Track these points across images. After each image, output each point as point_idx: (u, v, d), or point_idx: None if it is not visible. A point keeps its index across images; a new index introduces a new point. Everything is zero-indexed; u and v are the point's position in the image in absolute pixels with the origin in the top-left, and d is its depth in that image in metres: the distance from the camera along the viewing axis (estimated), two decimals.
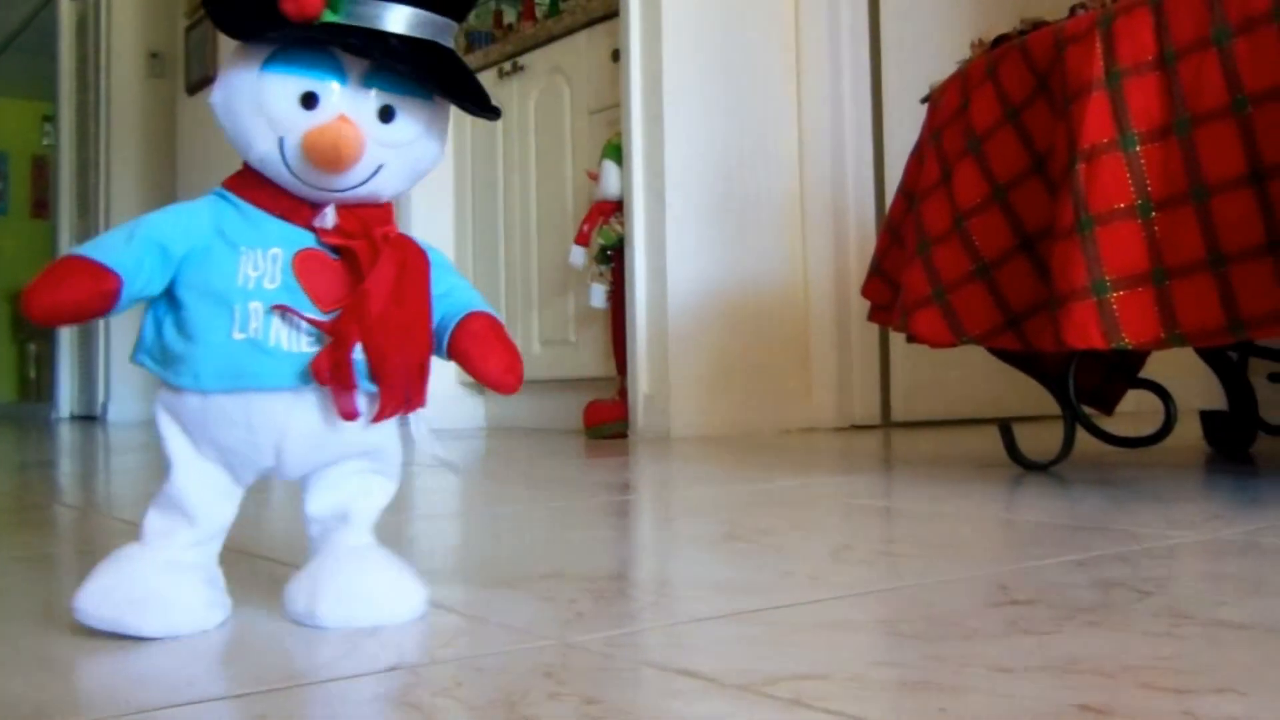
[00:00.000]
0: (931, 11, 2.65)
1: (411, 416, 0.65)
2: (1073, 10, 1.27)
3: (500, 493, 1.39)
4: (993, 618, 0.61)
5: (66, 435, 3.28)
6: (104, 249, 0.60)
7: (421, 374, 0.64)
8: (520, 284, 2.88)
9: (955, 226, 1.33)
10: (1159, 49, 1.12)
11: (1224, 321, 1.07)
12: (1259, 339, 1.16)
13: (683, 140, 2.40)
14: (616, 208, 2.48)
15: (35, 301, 0.58)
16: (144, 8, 4.45)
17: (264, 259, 0.61)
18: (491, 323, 0.67)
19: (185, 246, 0.61)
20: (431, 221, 3.08)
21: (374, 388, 0.61)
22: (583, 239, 2.50)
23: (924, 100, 1.50)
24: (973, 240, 1.31)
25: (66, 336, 4.74)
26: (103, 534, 1.11)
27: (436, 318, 0.66)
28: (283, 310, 0.60)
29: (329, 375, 0.60)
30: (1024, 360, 1.47)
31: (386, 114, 0.62)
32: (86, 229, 4.55)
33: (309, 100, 0.60)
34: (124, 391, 4.27)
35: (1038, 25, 1.32)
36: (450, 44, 0.64)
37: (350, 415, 0.61)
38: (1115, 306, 1.10)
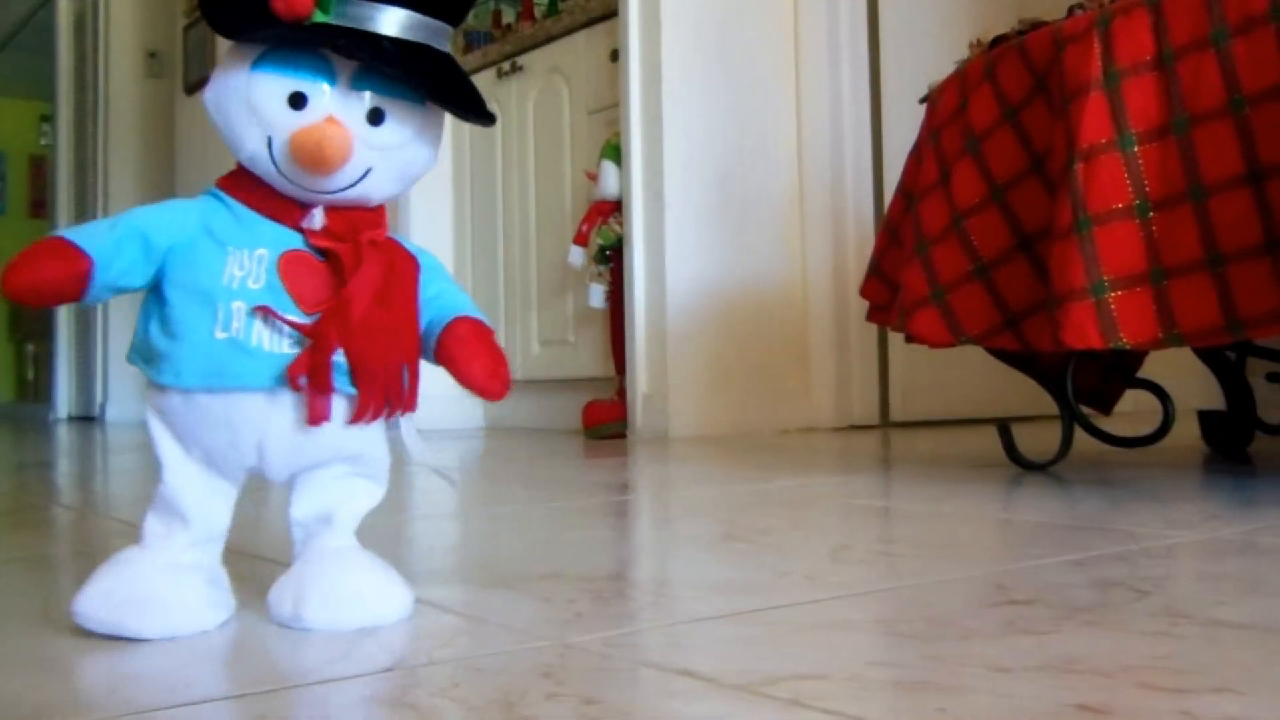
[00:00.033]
0: (930, 12, 2.65)
1: (402, 421, 0.65)
2: (1071, 10, 1.27)
3: (499, 493, 1.39)
4: (991, 617, 0.61)
5: (64, 436, 3.28)
6: (85, 234, 0.61)
7: (408, 378, 0.63)
8: (519, 284, 2.88)
9: (954, 226, 1.33)
10: (1157, 49, 1.12)
11: (1222, 321, 1.07)
12: (1257, 339, 1.16)
13: (681, 140, 2.40)
14: (615, 208, 2.48)
15: (10, 279, 0.58)
16: (142, 7, 4.45)
17: (250, 259, 0.61)
18: (477, 327, 0.66)
19: (169, 239, 0.61)
20: (430, 222, 3.08)
21: (354, 391, 0.61)
22: (581, 239, 2.50)
23: (922, 100, 1.50)
24: (971, 240, 1.31)
25: (65, 337, 4.73)
26: (100, 535, 1.11)
27: (424, 322, 0.66)
28: (264, 312, 0.60)
29: (301, 380, 0.59)
30: (1022, 360, 1.47)
31: (376, 117, 0.62)
32: None
33: (298, 100, 0.60)
34: (122, 392, 4.27)
35: (1036, 25, 1.32)
36: (445, 48, 0.64)
37: (318, 419, 0.61)
38: (1113, 306, 1.10)
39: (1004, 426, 1.45)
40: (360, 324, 0.60)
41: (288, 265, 0.61)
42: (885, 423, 2.60)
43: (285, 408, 0.61)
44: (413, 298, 0.64)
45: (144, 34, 4.45)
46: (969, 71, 1.36)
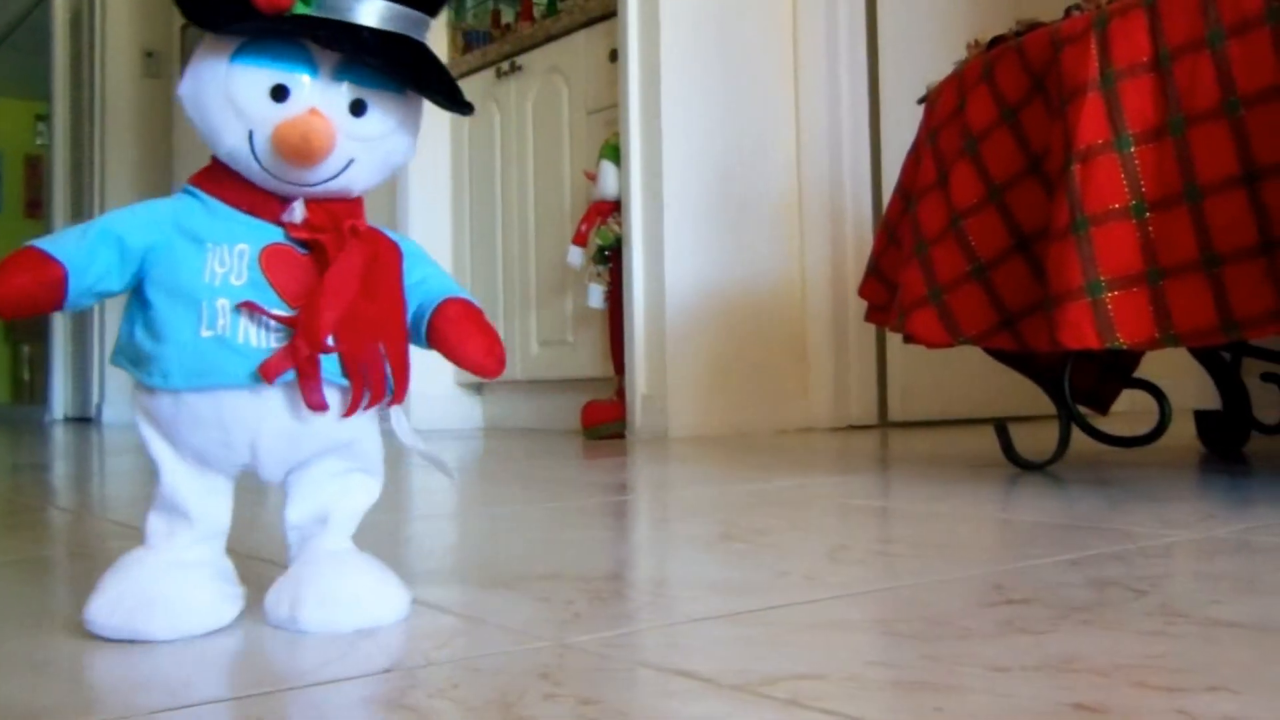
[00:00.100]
0: (928, 13, 2.66)
1: (393, 412, 0.65)
2: (1068, 11, 1.28)
3: (497, 493, 1.39)
4: (988, 617, 0.61)
5: (60, 437, 3.27)
6: (58, 242, 0.60)
7: (398, 366, 0.63)
8: (518, 284, 2.87)
9: (952, 227, 1.33)
10: (1154, 50, 1.12)
11: (1217, 322, 1.07)
12: (1252, 339, 1.16)
13: (680, 140, 2.41)
14: (614, 208, 2.48)
15: None
16: (139, 6, 4.44)
17: (231, 255, 0.60)
18: (468, 307, 0.66)
19: (145, 241, 0.60)
20: (429, 221, 3.07)
21: (345, 381, 0.61)
22: (580, 239, 2.50)
23: (921, 101, 1.50)
24: (969, 240, 1.32)
25: (60, 338, 4.73)
26: (97, 537, 1.11)
27: (412, 307, 0.65)
28: (249, 307, 0.59)
29: (277, 375, 0.59)
30: (1020, 360, 1.47)
31: (358, 108, 0.61)
32: None
33: (279, 93, 0.60)
34: (118, 393, 4.26)
35: (1033, 26, 1.32)
36: (423, 38, 0.63)
37: (318, 406, 0.60)
38: (1110, 307, 1.11)
39: (1001, 426, 1.45)
40: (346, 314, 0.60)
41: (270, 259, 0.61)
42: (883, 423, 2.60)
43: (277, 403, 0.61)
44: (398, 285, 0.63)
45: (141, 33, 4.45)
46: (967, 72, 1.36)
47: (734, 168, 2.48)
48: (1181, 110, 1.10)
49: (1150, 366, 1.66)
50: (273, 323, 0.60)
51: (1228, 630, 0.57)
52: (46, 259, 0.59)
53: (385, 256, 0.63)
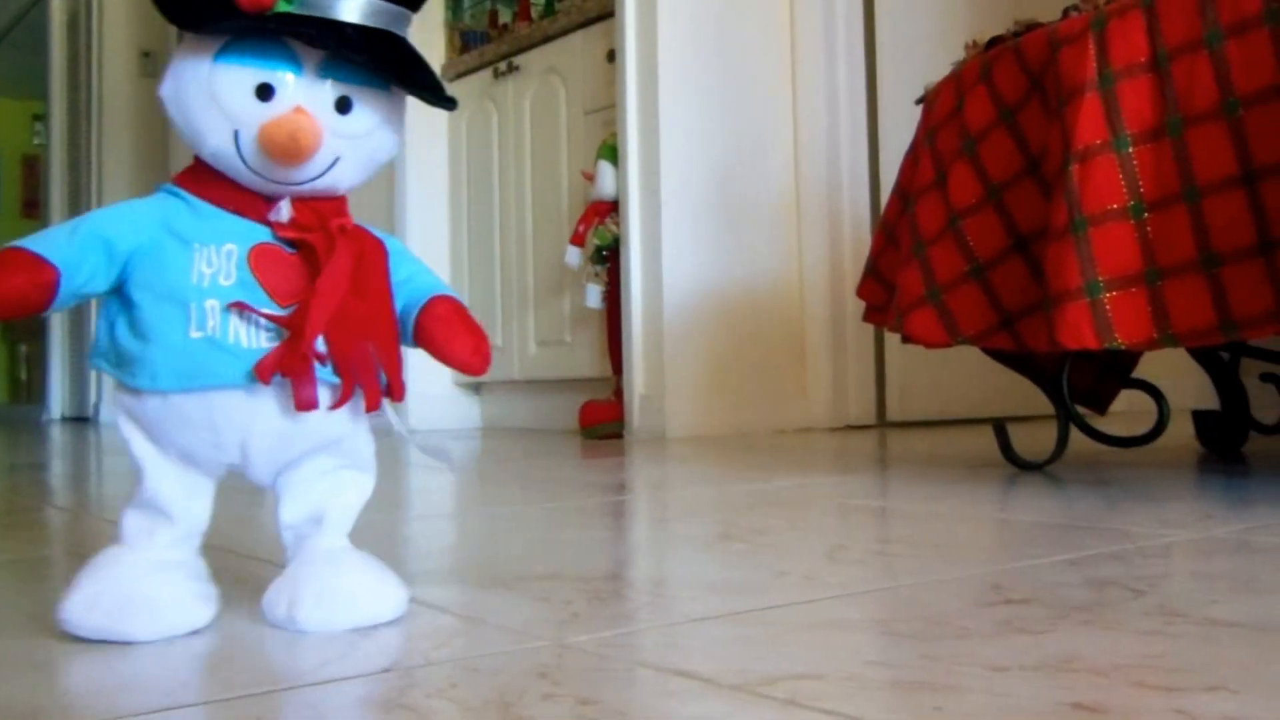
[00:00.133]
0: (926, 13, 2.66)
1: (388, 408, 0.65)
2: (1066, 12, 1.28)
3: (496, 493, 1.39)
4: (987, 617, 0.61)
5: (58, 437, 3.27)
6: (46, 242, 0.59)
7: (391, 363, 0.63)
8: (516, 284, 2.87)
9: (950, 227, 1.33)
10: (1152, 51, 1.12)
11: (1216, 322, 1.07)
12: (1251, 339, 1.16)
13: (678, 141, 2.41)
14: (612, 208, 2.48)
15: None
16: (136, 6, 4.43)
17: (218, 255, 0.60)
18: (455, 306, 0.66)
19: (131, 242, 0.60)
20: (427, 222, 3.07)
21: (337, 380, 0.61)
22: (578, 239, 2.50)
23: (919, 101, 1.50)
24: (967, 241, 1.32)
25: (58, 337, 4.72)
26: (94, 536, 1.11)
27: (399, 305, 0.65)
28: (239, 307, 0.59)
29: (272, 375, 0.59)
30: (1018, 360, 1.47)
31: (344, 105, 0.61)
32: None
33: (264, 92, 0.59)
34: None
35: (1031, 27, 1.33)
36: (405, 33, 0.63)
37: (308, 405, 0.60)
38: (1108, 307, 1.11)
39: (1000, 426, 1.45)
40: (338, 312, 0.60)
41: (258, 259, 0.60)
42: (882, 423, 2.60)
43: (268, 402, 0.60)
44: (386, 283, 0.63)
45: (138, 33, 4.44)
46: (965, 73, 1.36)
47: (732, 168, 2.48)
48: (1179, 111, 1.10)
49: (1148, 366, 1.66)
50: (263, 322, 0.59)
51: (1226, 630, 0.57)
52: (40, 261, 0.58)
53: (372, 255, 0.63)
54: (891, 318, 1.41)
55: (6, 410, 6.06)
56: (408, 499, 1.33)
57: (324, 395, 0.61)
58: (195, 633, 0.62)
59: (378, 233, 0.65)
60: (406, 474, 1.62)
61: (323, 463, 0.65)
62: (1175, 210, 1.10)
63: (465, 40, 3.12)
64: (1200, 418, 1.64)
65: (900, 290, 1.38)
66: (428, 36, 3.08)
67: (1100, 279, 1.11)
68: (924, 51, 2.52)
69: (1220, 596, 0.65)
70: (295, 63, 0.60)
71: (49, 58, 4.81)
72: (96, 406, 4.34)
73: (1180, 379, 1.97)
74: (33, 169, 6.67)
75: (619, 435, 2.42)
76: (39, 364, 5.26)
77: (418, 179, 3.06)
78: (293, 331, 0.59)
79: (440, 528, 1.11)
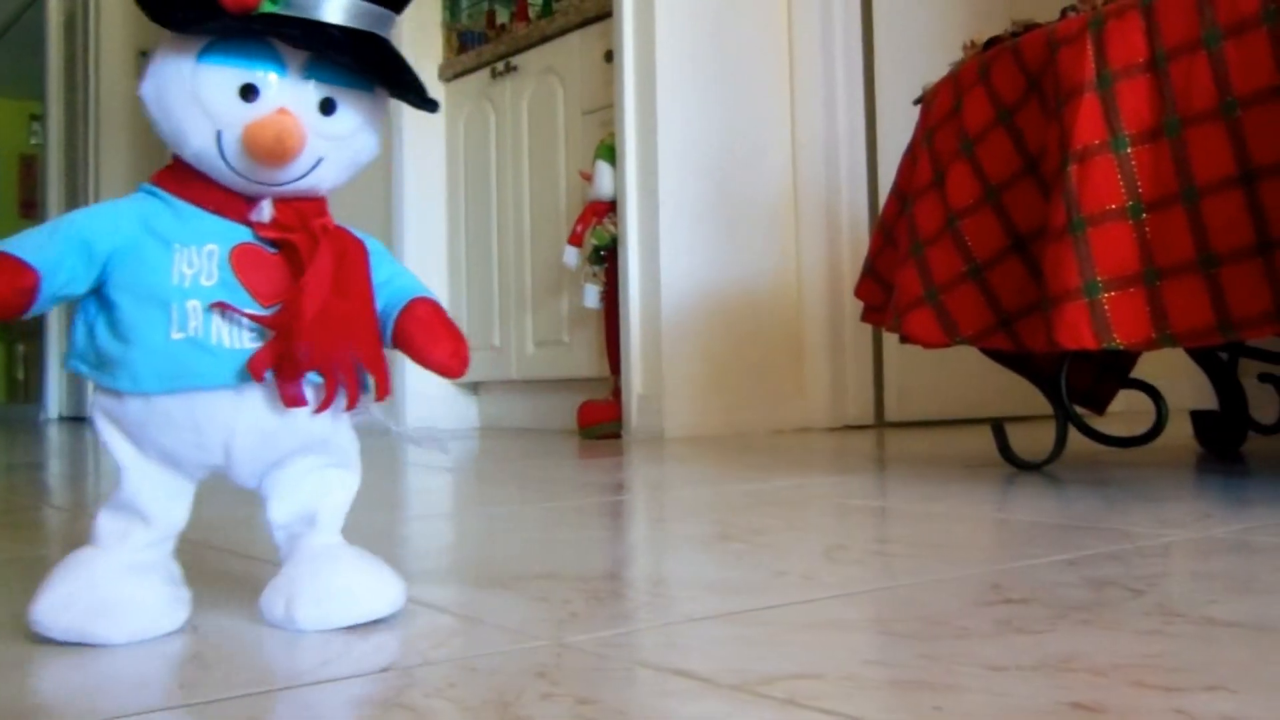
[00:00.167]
0: (924, 13, 2.66)
1: (374, 407, 0.65)
2: (1064, 12, 1.28)
3: (494, 493, 1.39)
4: (986, 617, 0.61)
5: (55, 436, 3.26)
6: (24, 245, 0.59)
7: (374, 362, 0.62)
8: (514, 284, 2.87)
9: (948, 227, 1.34)
10: (1150, 51, 1.12)
11: (1214, 322, 1.07)
12: (1249, 339, 1.16)
13: (676, 141, 2.41)
14: (610, 208, 2.48)
15: None
16: (133, 6, 4.42)
17: (199, 255, 0.59)
18: (435, 308, 0.66)
19: (111, 244, 0.59)
20: (424, 222, 3.07)
21: (319, 379, 0.61)
22: (576, 239, 2.50)
23: (917, 102, 1.50)
24: (965, 241, 1.32)
25: (55, 337, 4.71)
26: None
27: (379, 306, 0.65)
28: (222, 307, 0.59)
29: (265, 372, 0.59)
30: (1016, 360, 1.48)
31: (327, 106, 0.61)
32: None
33: (248, 92, 0.59)
34: None
35: (1029, 27, 1.33)
36: (389, 35, 0.63)
37: (295, 401, 0.60)
38: (1107, 307, 1.11)
39: (998, 426, 1.45)
40: (320, 313, 0.59)
41: (240, 259, 0.60)
42: (880, 423, 2.60)
43: (253, 402, 0.60)
44: (367, 284, 0.63)
45: (135, 33, 4.44)
46: (963, 73, 1.36)
47: (730, 168, 2.49)
48: (1178, 111, 1.10)
49: (1147, 367, 1.66)
50: (246, 322, 0.59)
51: (1225, 629, 0.57)
52: (20, 265, 0.58)
53: (353, 255, 0.63)
54: (890, 318, 1.41)
55: (4, 410, 6.06)
56: (405, 499, 1.32)
57: (309, 395, 0.61)
58: (194, 633, 0.62)
59: (358, 233, 0.65)
60: (404, 474, 1.62)
61: (307, 462, 0.64)
62: (1173, 210, 1.10)
63: (463, 40, 3.11)
64: (1199, 418, 1.64)
65: (898, 290, 1.38)
66: (425, 37, 3.08)
67: (1099, 279, 1.11)
68: (922, 52, 2.52)
69: (1219, 596, 0.65)
70: (279, 63, 0.60)
71: (46, 58, 4.80)
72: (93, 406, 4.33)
73: (1178, 379, 1.97)
74: (30, 169, 6.66)
75: (617, 435, 2.42)
76: (36, 364, 5.25)
77: (415, 179, 3.06)
78: (282, 330, 0.59)
79: (438, 528, 1.11)
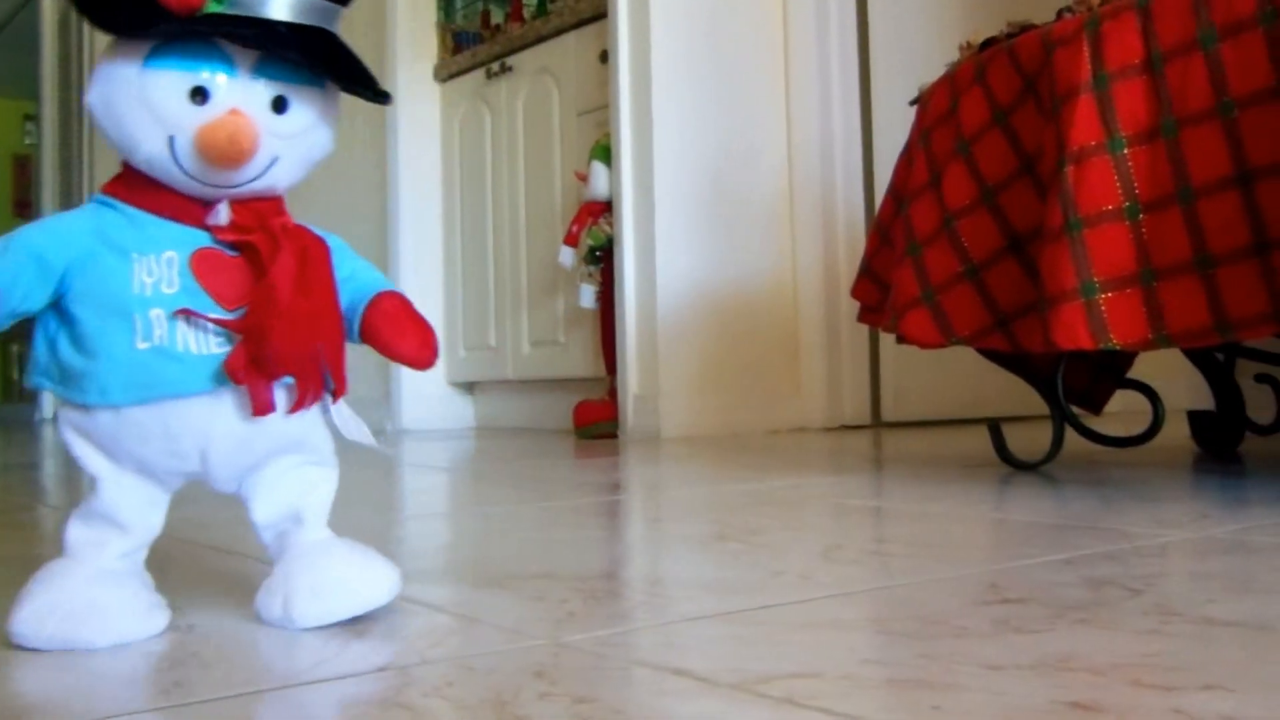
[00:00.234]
0: (920, 14, 2.66)
1: (333, 407, 0.64)
2: (1060, 13, 1.28)
3: (490, 493, 1.39)
4: (983, 616, 0.61)
5: (50, 436, 3.25)
6: None
7: (334, 361, 0.62)
8: (509, 284, 2.87)
9: (944, 227, 1.34)
10: (1146, 52, 1.13)
11: (1211, 323, 1.07)
12: (1246, 340, 1.16)
13: (671, 141, 2.41)
14: (605, 208, 2.48)
15: None
16: None
17: (159, 263, 0.59)
18: (401, 301, 0.66)
19: (65, 257, 0.59)
20: (420, 223, 3.07)
21: (290, 380, 0.60)
22: (572, 240, 2.50)
23: (913, 102, 1.50)
24: (962, 241, 1.32)
25: None
26: None
27: (344, 302, 0.65)
28: (186, 314, 0.58)
29: (244, 373, 0.59)
30: (1013, 361, 1.48)
31: (279, 104, 0.60)
32: None
33: (198, 95, 0.58)
34: None
35: (1025, 28, 1.33)
36: (336, 29, 0.62)
37: (266, 409, 0.60)
38: (1103, 308, 1.11)
39: (995, 426, 1.45)
40: (287, 312, 0.59)
41: (200, 264, 0.60)
42: (876, 423, 2.60)
43: (226, 407, 0.60)
44: (330, 281, 0.63)
45: None
46: (959, 74, 1.36)
47: (725, 168, 2.49)
48: (1174, 112, 1.10)
49: (1144, 367, 1.66)
50: (212, 327, 0.59)
51: (1223, 629, 0.57)
52: None
53: (315, 252, 0.62)
54: (886, 318, 1.41)
55: None
56: (401, 500, 1.32)
57: (279, 396, 0.61)
58: (189, 632, 0.62)
59: (318, 230, 0.65)
60: (400, 475, 1.61)
61: (285, 461, 0.64)
62: (1170, 211, 1.10)
63: (458, 41, 3.11)
64: (1195, 418, 1.64)
65: (895, 291, 1.39)
66: (420, 37, 3.08)
67: (1095, 280, 1.11)
68: (918, 52, 2.52)
69: (1216, 596, 0.65)
70: (228, 64, 0.59)
71: (40, 57, 4.79)
72: None
73: (1175, 379, 1.98)
74: (24, 169, 6.64)
75: (613, 435, 2.41)
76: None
77: (410, 180, 3.05)
78: (246, 335, 0.59)
79: (435, 528, 1.11)
